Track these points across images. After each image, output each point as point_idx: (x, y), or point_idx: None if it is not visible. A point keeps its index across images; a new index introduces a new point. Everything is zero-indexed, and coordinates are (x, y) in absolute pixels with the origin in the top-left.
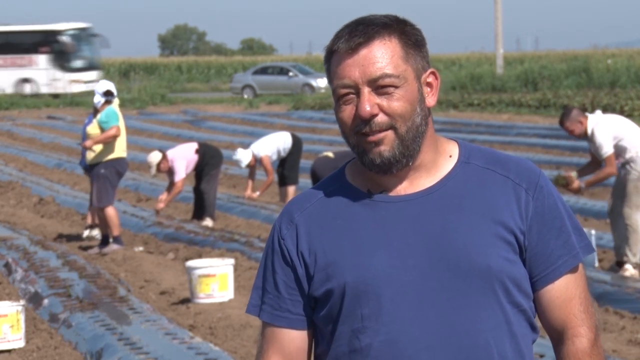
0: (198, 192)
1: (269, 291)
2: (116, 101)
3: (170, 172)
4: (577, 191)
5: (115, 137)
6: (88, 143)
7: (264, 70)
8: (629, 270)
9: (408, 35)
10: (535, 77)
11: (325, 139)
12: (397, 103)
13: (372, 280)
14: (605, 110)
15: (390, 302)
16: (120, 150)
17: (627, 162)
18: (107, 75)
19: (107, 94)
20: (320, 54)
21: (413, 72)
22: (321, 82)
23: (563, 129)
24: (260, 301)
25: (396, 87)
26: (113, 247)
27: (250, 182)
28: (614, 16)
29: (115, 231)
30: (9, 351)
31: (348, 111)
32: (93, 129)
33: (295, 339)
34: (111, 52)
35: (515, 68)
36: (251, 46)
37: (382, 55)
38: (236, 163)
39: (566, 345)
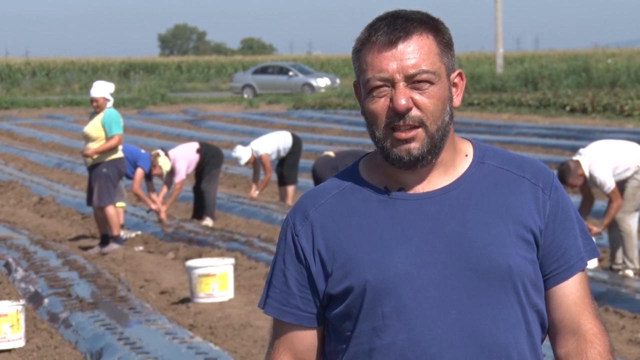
0: (198, 192)
1: (277, 286)
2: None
3: (171, 171)
4: (596, 236)
5: (117, 145)
6: (89, 152)
7: (264, 70)
8: (630, 275)
9: (442, 33)
10: (535, 77)
11: (325, 139)
12: (430, 100)
13: (392, 278)
14: (605, 109)
15: (412, 300)
16: (120, 150)
17: (631, 177)
18: (107, 75)
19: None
20: (319, 53)
21: (445, 70)
22: (321, 82)
23: (567, 186)
24: (266, 295)
25: (431, 83)
26: (113, 246)
27: (254, 184)
28: (614, 16)
29: (115, 230)
30: (9, 351)
31: (381, 104)
32: (95, 130)
33: (306, 337)
34: (111, 52)
35: (515, 68)
36: (251, 46)
37: (420, 51)
38: (235, 160)
39: (583, 346)
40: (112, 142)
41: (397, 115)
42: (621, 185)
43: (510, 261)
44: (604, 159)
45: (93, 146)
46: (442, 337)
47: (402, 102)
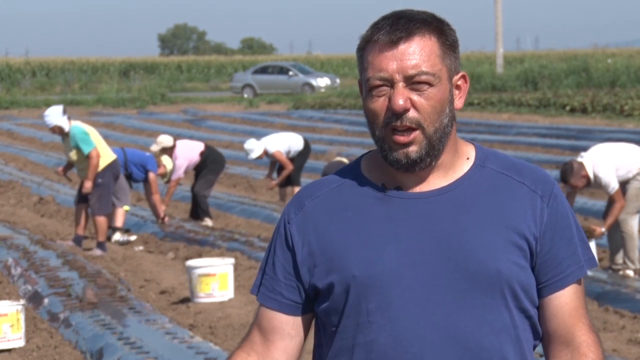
0: (194, 193)
1: (267, 273)
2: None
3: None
4: (600, 237)
5: (98, 159)
6: (88, 188)
7: (264, 70)
8: (630, 275)
9: (446, 35)
10: (535, 77)
11: (325, 139)
12: (429, 101)
13: (380, 276)
14: (605, 109)
15: (397, 298)
16: (107, 154)
17: (632, 178)
18: (107, 75)
19: (64, 112)
20: (320, 53)
21: (447, 73)
22: (321, 82)
23: (568, 186)
24: (260, 282)
25: (431, 85)
26: (96, 252)
27: (269, 178)
28: (614, 16)
29: (102, 237)
30: (9, 350)
31: (380, 103)
32: (75, 154)
33: (274, 318)
34: (111, 52)
35: (515, 67)
36: (251, 45)
37: (421, 52)
38: (245, 153)
39: (576, 357)
40: (93, 161)
41: (394, 116)
42: (622, 187)
43: (500, 265)
44: (608, 160)
45: (80, 167)
46: (424, 337)
47: (400, 102)
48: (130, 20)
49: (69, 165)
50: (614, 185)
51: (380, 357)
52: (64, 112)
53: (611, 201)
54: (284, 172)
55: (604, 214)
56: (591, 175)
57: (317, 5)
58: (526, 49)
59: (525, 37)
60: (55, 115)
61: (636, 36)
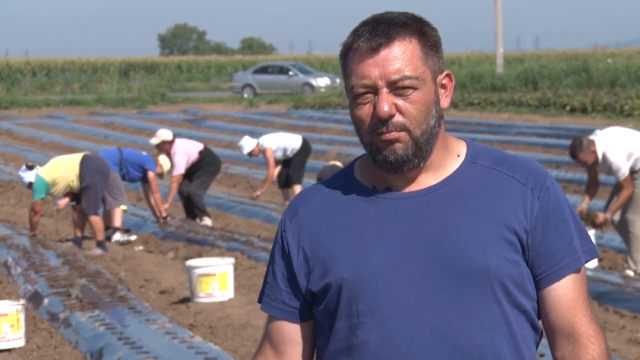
0: (186, 194)
1: (269, 282)
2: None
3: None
4: (604, 223)
5: (39, 210)
6: (30, 234)
7: (264, 70)
8: (630, 275)
9: (427, 36)
10: (535, 77)
11: (325, 138)
12: (414, 105)
13: (368, 277)
14: (605, 109)
15: (386, 298)
16: (71, 163)
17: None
18: (107, 75)
19: (30, 168)
20: (320, 53)
21: (431, 74)
22: (321, 82)
23: (576, 161)
24: (263, 292)
25: (415, 88)
26: (97, 251)
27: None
28: (614, 16)
29: (100, 236)
30: (9, 350)
31: (365, 110)
32: (59, 189)
33: (284, 329)
34: (111, 52)
35: (515, 67)
36: (251, 45)
37: (402, 56)
38: (239, 149)
39: (577, 349)
40: (30, 213)
41: (380, 122)
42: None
43: (489, 262)
44: (621, 145)
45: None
46: (414, 336)
47: (385, 108)
48: (130, 20)
49: (68, 195)
50: (624, 171)
51: (371, 358)
52: (28, 167)
53: (619, 187)
54: (266, 177)
55: (605, 207)
56: (600, 155)
57: (317, 5)
58: (526, 49)
59: (525, 37)
60: (24, 173)
61: (636, 36)
